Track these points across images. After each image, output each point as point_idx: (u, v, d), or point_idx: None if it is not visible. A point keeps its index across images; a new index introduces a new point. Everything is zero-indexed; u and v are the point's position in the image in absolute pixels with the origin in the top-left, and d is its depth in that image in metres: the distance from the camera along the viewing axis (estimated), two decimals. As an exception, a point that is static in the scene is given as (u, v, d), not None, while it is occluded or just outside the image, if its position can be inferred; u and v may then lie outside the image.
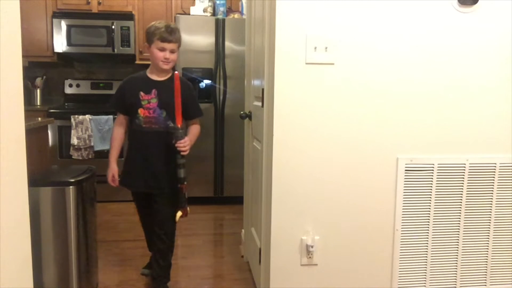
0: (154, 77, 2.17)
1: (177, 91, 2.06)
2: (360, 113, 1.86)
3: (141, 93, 2.13)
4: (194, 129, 2.25)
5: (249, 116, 2.50)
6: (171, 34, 2.08)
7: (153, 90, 2.13)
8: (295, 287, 1.92)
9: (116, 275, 2.52)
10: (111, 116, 3.90)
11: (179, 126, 2.07)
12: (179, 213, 2.14)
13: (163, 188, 2.18)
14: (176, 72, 2.19)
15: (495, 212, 1.99)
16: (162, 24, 2.10)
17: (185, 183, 2.13)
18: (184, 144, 2.07)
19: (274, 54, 1.79)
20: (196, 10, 4.05)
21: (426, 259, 1.98)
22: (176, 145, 2.06)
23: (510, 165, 1.98)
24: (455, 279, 2.02)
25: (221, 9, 4.06)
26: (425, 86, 1.89)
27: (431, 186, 1.94)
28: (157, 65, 2.12)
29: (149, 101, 2.13)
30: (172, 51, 2.10)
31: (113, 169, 2.24)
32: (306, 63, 1.80)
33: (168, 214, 2.18)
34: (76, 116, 3.85)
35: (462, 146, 1.95)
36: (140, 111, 2.13)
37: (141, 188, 2.23)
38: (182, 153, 2.08)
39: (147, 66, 2.27)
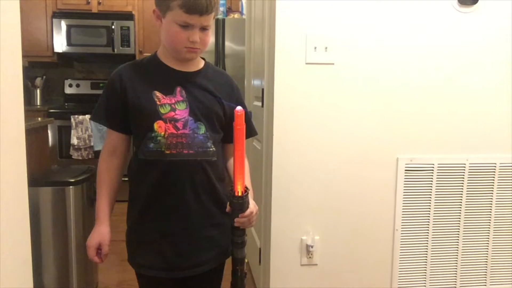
0: (174, 65, 1.26)
1: (239, 123, 1.09)
2: (360, 113, 1.86)
3: (156, 92, 1.22)
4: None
5: (249, 116, 2.50)
6: None
7: (177, 88, 1.23)
8: (295, 287, 1.92)
9: (116, 275, 2.51)
10: (111, 116, 3.90)
11: (239, 193, 1.11)
12: None
13: (205, 264, 1.29)
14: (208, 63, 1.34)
15: (495, 212, 1.99)
16: None
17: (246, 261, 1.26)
18: (250, 218, 1.15)
19: (274, 54, 1.79)
20: (196, 10, 4.04)
21: (426, 259, 1.98)
22: (236, 221, 1.14)
23: (510, 165, 1.98)
24: (455, 279, 2.02)
25: (221, 9, 4.06)
26: (425, 86, 1.89)
27: (431, 186, 1.94)
28: (175, 51, 1.22)
29: (173, 106, 1.21)
30: (204, 28, 1.19)
31: (102, 234, 1.29)
32: (306, 63, 1.80)
33: None
34: (76, 116, 3.85)
35: (462, 146, 1.95)
36: (158, 125, 1.20)
37: (167, 272, 1.27)
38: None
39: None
